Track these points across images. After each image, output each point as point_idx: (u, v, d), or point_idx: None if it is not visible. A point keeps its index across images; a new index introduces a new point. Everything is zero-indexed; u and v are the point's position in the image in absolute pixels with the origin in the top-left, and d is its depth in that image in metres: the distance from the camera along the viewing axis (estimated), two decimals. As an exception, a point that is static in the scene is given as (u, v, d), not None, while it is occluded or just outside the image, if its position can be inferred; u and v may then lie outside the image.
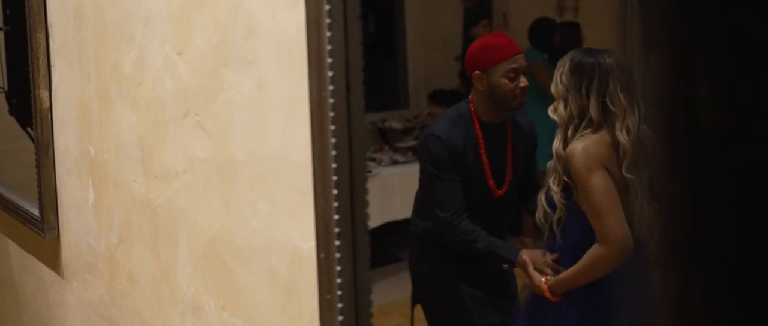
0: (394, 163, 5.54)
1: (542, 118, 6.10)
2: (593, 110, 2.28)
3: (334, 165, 1.42)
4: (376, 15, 6.85)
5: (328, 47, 1.39)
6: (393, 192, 5.30)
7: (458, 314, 2.84)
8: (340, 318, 1.45)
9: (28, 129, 2.98)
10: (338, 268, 1.44)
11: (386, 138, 6.15)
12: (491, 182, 2.74)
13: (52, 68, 2.75)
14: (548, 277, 2.40)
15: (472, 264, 2.79)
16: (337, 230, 1.43)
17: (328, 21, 1.39)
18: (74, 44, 2.55)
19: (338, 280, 1.44)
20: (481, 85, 2.68)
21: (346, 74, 1.40)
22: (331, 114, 1.40)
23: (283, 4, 1.55)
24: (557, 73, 2.38)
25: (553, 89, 2.38)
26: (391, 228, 5.27)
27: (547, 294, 2.40)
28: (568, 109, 2.31)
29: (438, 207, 2.69)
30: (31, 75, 2.78)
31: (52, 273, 3.02)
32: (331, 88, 1.40)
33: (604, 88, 2.28)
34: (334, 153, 1.42)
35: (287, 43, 1.55)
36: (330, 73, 1.40)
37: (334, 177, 1.42)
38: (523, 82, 2.66)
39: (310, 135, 1.48)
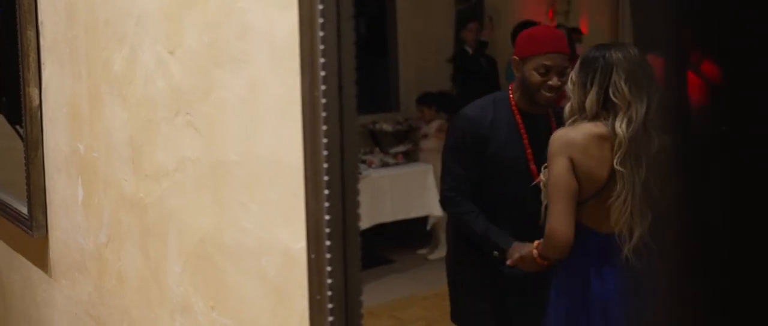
0: (385, 165, 5.54)
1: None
2: (589, 101, 2.29)
3: (325, 166, 1.42)
4: (368, 17, 6.84)
5: (321, 47, 1.39)
6: (383, 194, 5.29)
7: (491, 313, 2.84)
8: (331, 319, 1.45)
9: (17, 127, 2.97)
10: (329, 269, 1.44)
11: (377, 140, 6.14)
12: (533, 166, 2.71)
13: (43, 66, 2.74)
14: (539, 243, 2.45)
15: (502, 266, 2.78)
16: (328, 231, 1.43)
17: (321, 21, 1.39)
18: (65, 42, 2.54)
19: (329, 281, 1.44)
20: (518, 71, 2.74)
21: (338, 74, 1.39)
22: (324, 114, 1.40)
23: (276, 4, 1.55)
24: (570, 74, 2.41)
25: (567, 89, 2.41)
26: (381, 230, 5.27)
27: (537, 258, 2.44)
28: (570, 104, 2.35)
29: (445, 180, 2.76)
30: (21, 72, 2.76)
31: (40, 272, 3.00)
32: (323, 88, 1.40)
33: (606, 80, 2.29)
34: (325, 153, 1.41)
35: (280, 43, 1.54)
36: (322, 73, 1.39)
37: (326, 178, 1.42)
38: (553, 81, 2.66)
39: (302, 135, 1.48)
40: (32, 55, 2.73)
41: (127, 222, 2.27)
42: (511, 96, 2.77)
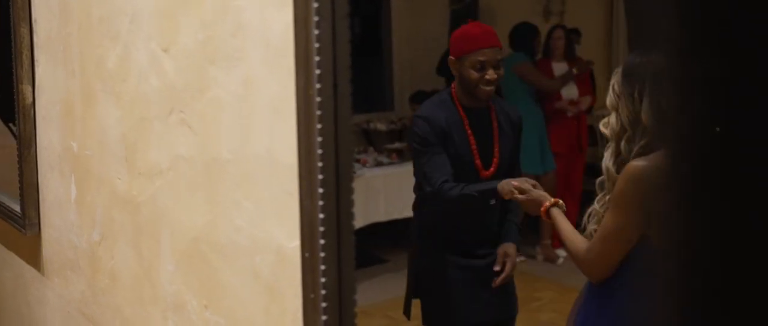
0: (379, 164, 5.54)
1: (528, 116, 6.14)
2: (645, 116, 2.00)
3: (320, 165, 1.42)
4: (362, 17, 6.85)
5: (316, 46, 1.39)
6: (377, 193, 5.30)
7: (456, 308, 2.91)
8: (324, 317, 1.45)
9: (11, 124, 2.96)
10: (323, 268, 1.44)
11: (371, 139, 6.15)
12: (478, 162, 2.86)
13: (36, 63, 2.73)
14: (555, 203, 2.47)
15: (472, 258, 2.91)
16: (322, 229, 1.43)
17: (316, 19, 1.38)
18: (59, 40, 2.53)
19: (322, 280, 1.44)
20: (455, 70, 2.85)
21: (333, 73, 1.39)
22: (318, 113, 1.40)
23: (272, 2, 1.54)
24: (611, 83, 2.16)
25: (607, 101, 2.16)
26: (374, 230, 5.28)
27: (544, 211, 2.45)
28: (619, 119, 2.07)
29: (426, 181, 2.80)
30: (14, 70, 2.76)
31: (33, 270, 2.99)
32: (318, 86, 1.40)
33: (659, 91, 2.10)
34: (320, 152, 1.41)
35: (275, 41, 1.54)
36: (317, 72, 1.39)
37: (320, 177, 1.42)
38: (490, 74, 2.79)
39: (297, 134, 1.47)
40: (26, 53, 2.73)
41: (120, 220, 2.26)
42: (454, 95, 2.88)
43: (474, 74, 2.79)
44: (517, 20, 6.06)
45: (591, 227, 2.21)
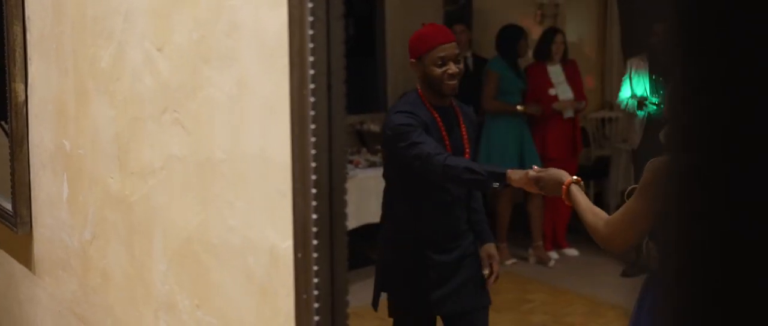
0: (372, 165, 5.54)
1: (510, 122, 6.11)
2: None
3: (313, 165, 1.42)
4: (356, 18, 6.85)
5: (311, 46, 1.39)
6: (369, 194, 5.30)
7: (424, 299, 2.95)
8: (317, 318, 1.45)
9: (2, 123, 2.95)
10: (315, 268, 1.44)
11: (364, 140, 6.15)
12: None
13: (29, 62, 2.73)
14: (575, 182, 2.48)
15: (437, 251, 2.95)
16: (315, 230, 1.43)
17: (310, 19, 1.39)
18: (52, 38, 2.52)
19: (315, 280, 1.44)
20: (417, 71, 2.90)
21: (327, 73, 1.39)
22: (312, 113, 1.40)
23: (266, 2, 1.54)
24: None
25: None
26: (367, 231, 5.27)
27: (564, 192, 2.47)
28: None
29: (425, 162, 2.74)
30: (6, 68, 2.75)
31: (24, 269, 2.99)
32: (312, 86, 1.40)
33: None
34: (313, 152, 1.41)
35: (269, 41, 1.54)
36: (311, 72, 1.39)
37: (314, 177, 1.42)
38: (451, 68, 2.84)
39: (291, 134, 1.47)
40: (18, 51, 2.72)
41: (113, 219, 2.26)
42: (421, 95, 2.91)
43: (436, 70, 2.84)
44: (510, 22, 6.07)
45: None
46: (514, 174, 2.66)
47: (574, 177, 2.50)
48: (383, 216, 3.11)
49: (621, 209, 2.24)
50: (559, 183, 2.51)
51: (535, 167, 2.67)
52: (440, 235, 2.95)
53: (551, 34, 5.97)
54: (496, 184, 2.74)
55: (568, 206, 2.50)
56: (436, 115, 2.90)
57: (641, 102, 5.16)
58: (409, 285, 2.98)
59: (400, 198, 2.97)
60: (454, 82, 2.87)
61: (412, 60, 2.91)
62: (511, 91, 5.78)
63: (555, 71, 5.86)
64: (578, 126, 6.02)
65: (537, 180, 2.60)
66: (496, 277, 3.01)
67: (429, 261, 2.94)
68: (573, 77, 5.89)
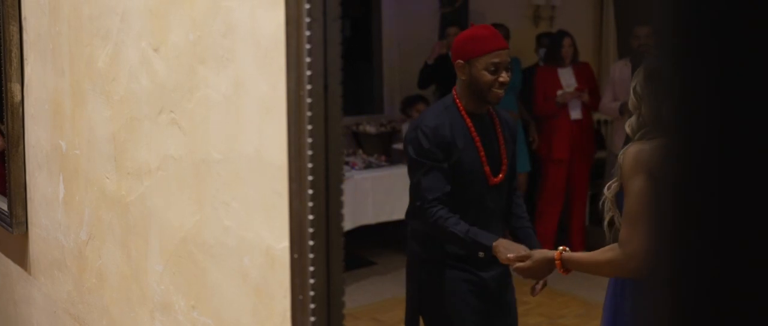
0: (368, 166, 5.54)
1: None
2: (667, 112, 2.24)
3: (310, 166, 1.42)
4: (352, 20, 6.85)
5: (308, 47, 1.39)
6: (365, 196, 5.30)
7: (460, 323, 2.79)
8: (312, 319, 1.45)
9: (-1, 123, 2.95)
10: (312, 269, 1.44)
11: (360, 142, 6.15)
12: (487, 169, 2.75)
13: (25, 62, 2.72)
14: (563, 251, 2.38)
15: (477, 270, 2.77)
16: (311, 230, 1.43)
17: (307, 20, 1.39)
18: (48, 38, 2.52)
19: (311, 281, 1.44)
20: (463, 74, 2.72)
21: (324, 74, 1.40)
22: (309, 114, 1.40)
23: (263, 3, 1.54)
24: (632, 85, 2.34)
25: (629, 104, 2.34)
26: (362, 232, 5.28)
27: (558, 267, 2.38)
28: (640, 118, 2.24)
29: (417, 194, 2.68)
30: (2, 68, 2.74)
31: (19, 269, 2.98)
32: (309, 87, 1.40)
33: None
34: (310, 153, 1.41)
35: (266, 42, 1.54)
36: (308, 73, 1.39)
37: (310, 178, 1.42)
38: (503, 77, 2.69)
39: (287, 135, 1.47)
40: (15, 51, 2.71)
41: (109, 220, 2.25)
42: (457, 100, 2.76)
43: (488, 76, 2.68)
44: (507, 24, 6.07)
45: (608, 215, 2.33)
46: (500, 253, 2.54)
47: (560, 248, 2.41)
48: (412, 235, 2.89)
49: (622, 223, 2.18)
50: (550, 261, 2.41)
51: (518, 265, 2.50)
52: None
53: (560, 37, 5.98)
54: (480, 254, 2.64)
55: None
56: (471, 124, 2.73)
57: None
58: (451, 306, 2.79)
59: (416, 212, 2.77)
60: (502, 91, 2.72)
61: (460, 61, 2.72)
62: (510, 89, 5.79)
63: (565, 74, 5.86)
64: (589, 127, 5.97)
65: (524, 272, 2.50)
66: (543, 285, 2.77)
67: (471, 278, 2.77)
68: (586, 79, 5.88)
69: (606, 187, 2.32)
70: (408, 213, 2.86)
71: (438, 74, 5.97)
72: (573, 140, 5.84)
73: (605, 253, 2.23)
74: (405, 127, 5.72)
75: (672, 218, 0.44)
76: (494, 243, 2.56)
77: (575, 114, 5.84)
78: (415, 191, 2.71)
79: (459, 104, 2.75)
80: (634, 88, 2.27)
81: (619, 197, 2.29)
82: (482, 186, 2.75)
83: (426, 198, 2.64)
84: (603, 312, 2.47)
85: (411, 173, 2.76)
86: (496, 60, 2.68)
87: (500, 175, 2.77)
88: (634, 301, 2.24)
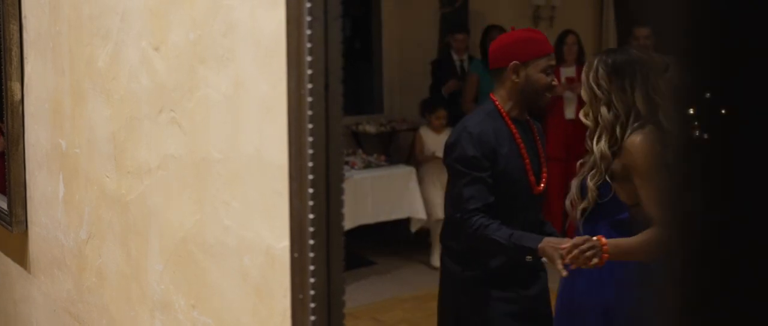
0: (367, 166, 5.54)
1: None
2: (640, 103, 2.33)
3: (310, 165, 1.42)
4: (353, 20, 6.85)
5: (308, 46, 1.39)
6: (365, 196, 5.30)
7: None
8: (313, 318, 1.45)
9: (-2, 122, 2.95)
10: (312, 268, 1.44)
11: (360, 142, 6.15)
12: (532, 178, 2.62)
13: (25, 61, 2.72)
14: (603, 238, 2.32)
15: (520, 288, 2.63)
16: (311, 229, 1.43)
17: (308, 19, 1.39)
18: (49, 37, 2.52)
19: (312, 280, 1.44)
20: (517, 76, 2.58)
21: (325, 73, 1.39)
22: (310, 113, 1.40)
23: (264, 2, 1.54)
24: (588, 79, 2.42)
25: (586, 95, 2.44)
26: (362, 232, 5.28)
27: (605, 252, 2.30)
28: (612, 110, 2.35)
29: (457, 205, 2.53)
30: (2, 67, 2.74)
31: (19, 268, 2.98)
32: (309, 86, 1.40)
33: (647, 81, 2.36)
34: (311, 152, 1.41)
35: (266, 41, 1.54)
36: (309, 72, 1.39)
37: (311, 177, 1.42)
38: (554, 80, 2.62)
39: (288, 134, 1.47)
40: (15, 50, 2.71)
41: (108, 219, 2.25)
42: (498, 105, 2.62)
43: (544, 79, 2.57)
44: (506, 24, 6.08)
45: (581, 206, 2.44)
46: (550, 252, 2.37)
47: (598, 237, 2.33)
48: (448, 255, 2.72)
49: (651, 208, 2.22)
50: (599, 249, 2.32)
51: (563, 246, 2.36)
52: (514, 267, 2.59)
53: (563, 36, 5.99)
54: (528, 258, 2.46)
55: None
56: (515, 130, 2.60)
57: None
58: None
59: (456, 223, 2.60)
60: (550, 96, 2.63)
61: (516, 62, 2.56)
62: (486, 91, 5.78)
63: (568, 73, 5.87)
64: (584, 126, 5.98)
65: (572, 253, 2.34)
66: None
67: (514, 296, 2.61)
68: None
69: (590, 175, 2.38)
70: (445, 231, 2.72)
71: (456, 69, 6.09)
72: (568, 139, 5.86)
73: (644, 240, 2.26)
74: (423, 132, 5.70)
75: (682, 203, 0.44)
76: (540, 245, 2.41)
77: (569, 113, 5.86)
78: (455, 201, 2.56)
79: (501, 110, 2.61)
80: (598, 83, 2.39)
81: (602, 187, 2.38)
82: (526, 195, 2.62)
83: (466, 209, 2.50)
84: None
85: (452, 183, 2.61)
86: (552, 63, 2.60)
87: (542, 184, 2.65)
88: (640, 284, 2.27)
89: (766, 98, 0.43)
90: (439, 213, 5.25)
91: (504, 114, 2.60)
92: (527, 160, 2.60)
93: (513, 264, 2.56)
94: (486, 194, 2.51)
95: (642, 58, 2.39)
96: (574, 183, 2.48)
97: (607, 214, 2.45)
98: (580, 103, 5.84)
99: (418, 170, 5.59)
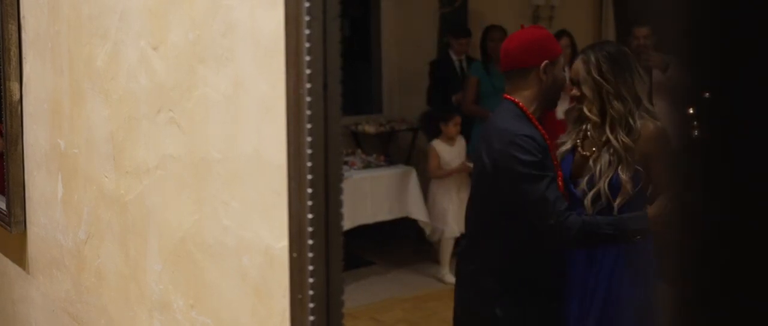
0: (367, 166, 5.54)
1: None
2: (641, 90, 2.38)
3: (309, 165, 1.41)
4: (352, 19, 6.85)
5: (307, 46, 1.39)
6: (364, 196, 5.30)
7: None
8: (312, 318, 1.45)
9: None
10: (311, 268, 1.44)
11: (359, 142, 6.15)
12: (561, 184, 2.42)
13: (24, 60, 2.72)
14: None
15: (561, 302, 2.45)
16: (310, 229, 1.43)
17: (307, 19, 1.38)
18: (47, 37, 2.52)
19: (310, 280, 1.44)
20: (547, 76, 2.42)
21: (324, 73, 1.39)
22: (308, 112, 1.40)
23: (263, 2, 1.54)
24: (592, 75, 2.39)
25: (590, 90, 2.40)
26: (361, 232, 5.28)
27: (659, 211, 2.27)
28: (623, 101, 2.37)
29: (545, 212, 2.29)
30: (1, 66, 2.74)
31: (18, 268, 2.98)
32: (308, 86, 1.40)
33: (635, 72, 2.40)
34: (309, 152, 1.41)
35: (265, 41, 1.54)
36: (308, 72, 1.39)
37: (309, 177, 1.42)
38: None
39: (286, 134, 1.47)
40: (13, 50, 2.71)
41: (107, 219, 2.25)
42: (522, 107, 2.42)
43: (564, 76, 2.51)
44: (505, 24, 6.08)
45: (618, 201, 2.35)
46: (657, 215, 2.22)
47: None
48: (480, 272, 2.49)
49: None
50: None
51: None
52: (557, 278, 2.44)
53: (557, 36, 5.99)
54: (638, 237, 2.30)
55: None
56: (544, 132, 2.41)
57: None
58: None
59: (504, 239, 2.42)
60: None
61: (547, 62, 2.40)
62: (486, 93, 5.77)
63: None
64: None
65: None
66: None
67: (554, 307, 2.44)
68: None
69: (619, 169, 2.34)
70: (544, 234, 2.39)
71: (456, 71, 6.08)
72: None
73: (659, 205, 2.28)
74: (437, 145, 5.54)
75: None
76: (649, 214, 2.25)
77: (561, 114, 5.87)
78: (541, 209, 2.29)
79: (527, 112, 2.42)
80: (601, 75, 2.39)
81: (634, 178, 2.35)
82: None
83: (559, 212, 2.27)
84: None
85: (525, 192, 2.33)
86: (563, 59, 2.51)
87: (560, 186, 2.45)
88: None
89: (766, 98, 0.43)
90: (456, 229, 5.18)
91: (531, 116, 2.42)
92: (556, 162, 2.44)
93: (552, 272, 2.43)
94: (560, 194, 2.33)
95: (624, 47, 2.47)
96: (603, 184, 2.33)
97: (640, 203, 2.35)
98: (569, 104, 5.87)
99: (429, 185, 5.44)
